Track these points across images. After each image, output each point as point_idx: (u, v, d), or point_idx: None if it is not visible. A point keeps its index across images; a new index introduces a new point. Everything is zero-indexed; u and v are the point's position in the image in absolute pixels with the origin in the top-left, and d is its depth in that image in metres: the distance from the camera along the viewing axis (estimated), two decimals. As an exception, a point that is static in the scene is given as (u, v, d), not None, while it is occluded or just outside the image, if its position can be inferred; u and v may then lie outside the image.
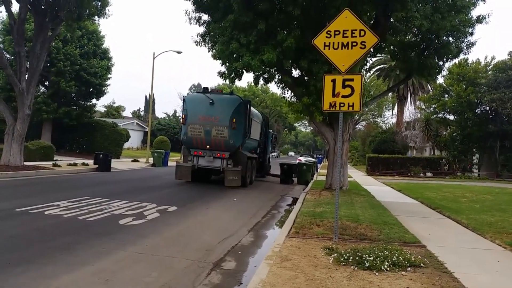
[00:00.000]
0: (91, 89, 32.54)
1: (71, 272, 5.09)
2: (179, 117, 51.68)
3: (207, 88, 17.57)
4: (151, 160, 29.08)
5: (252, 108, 18.23)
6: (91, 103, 34.23)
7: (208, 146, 16.52)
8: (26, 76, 18.06)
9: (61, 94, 30.51)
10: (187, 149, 17.04)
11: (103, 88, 33.41)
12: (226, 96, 17.43)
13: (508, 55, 29.25)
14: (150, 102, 35.73)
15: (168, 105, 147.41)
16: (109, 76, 33.74)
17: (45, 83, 31.71)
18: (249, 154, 18.06)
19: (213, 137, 16.23)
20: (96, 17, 20.79)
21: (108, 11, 20.30)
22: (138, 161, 29.94)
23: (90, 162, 22.24)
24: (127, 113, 70.27)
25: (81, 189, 12.90)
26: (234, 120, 16.10)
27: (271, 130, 26.93)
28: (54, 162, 20.94)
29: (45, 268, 5.20)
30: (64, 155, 28.87)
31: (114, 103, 61.40)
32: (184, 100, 17.38)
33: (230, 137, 16.16)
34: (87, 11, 19.51)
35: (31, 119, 19.47)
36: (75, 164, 20.96)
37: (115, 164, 23.72)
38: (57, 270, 5.15)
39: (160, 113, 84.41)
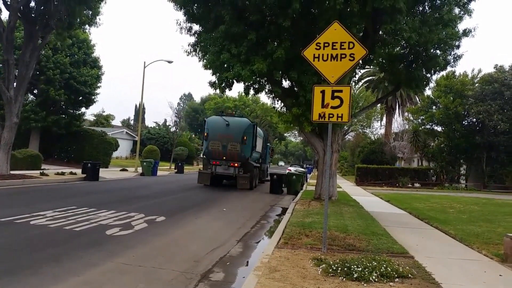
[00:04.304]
0: (80, 98, 32.23)
1: (57, 284, 5.01)
2: (169, 126, 51.56)
3: (222, 111, 24.11)
4: (140, 170, 28.89)
5: (257, 128, 22.75)
6: (80, 112, 33.88)
7: (224, 157, 20.62)
8: (15, 84, 17.90)
9: (50, 102, 30.21)
10: (207, 159, 21.20)
11: (93, 97, 33.12)
12: (238, 119, 21.98)
13: (494, 68, 29.82)
14: (140, 111, 35.61)
15: (159, 114, 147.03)
16: (99, 84, 33.48)
17: (34, 91, 31.34)
18: (255, 163, 22.55)
19: (228, 150, 20.45)
20: (87, 26, 20.77)
21: (99, 20, 20.35)
22: (127, 170, 29.70)
23: (78, 171, 22.01)
24: (116, 122, 69.93)
25: (68, 199, 12.73)
26: (245, 137, 20.43)
27: (268, 144, 31.57)
28: (41, 171, 20.70)
29: (30, 279, 5.12)
30: (52, 164, 28.53)
31: (104, 112, 60.99)
32: (205, 121, 21.96)
33: (241, 150, 20.38)
34: (78, 20, 19.49)
35: (19, 127, 19.26)
36: (62, 173, 20.72)
37: (104, 173, 23.51)
38: (43, 281, 5.08)
39: (150, 122, 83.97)
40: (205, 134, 21.08)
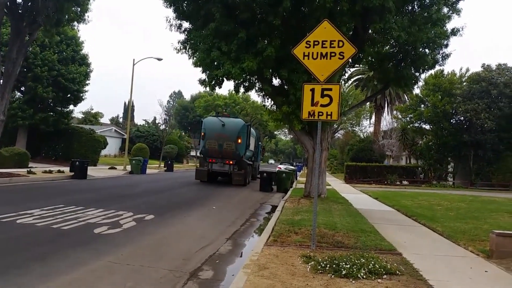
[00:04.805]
0: (68, 95, 31.91)
1: (44, 283, 4.97)
2: (159, 124, 51.39)
3: (218, 113, 25.44)
4: (129, 168, 28.71)
5: (251, 128, 24.34)
6: (68, 110, 33.54)
7: (220, 155, 22.04)
8: (1, 81, 17.63)
9: (38, 100, 29.86)
10: (204, 157, 22.76)
11: (81, 94, 32.81)
12: (233, 119, 23.53)
13: (482, 67, 30.18)
14: (129, 108, 35.39)
15: (148, 112, 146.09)
16: (87, 82, 33.17)
17: (21, 89, 30.93)
18: (248, 161, 24.18)
19: (224, 149, 21.82)
20: (75, 23, 20.52)
21: (88, 17, 20.08)
22: (115, 168, 29.47)
23: (66, 169, 21.77)
24: (105, 119, 69.15)
25: (55, 197, 12.62)
26: (239, 137, 21.89)
27: (260, 143, 33.20)
28: (29, 169, 20.42)
29: (17, 279, 5.06)
30: (40, 162, 28.20)
31: (92, 109, 60.33)
32: (202, 122, 23.37)
33: (236, 149, 21.76)
34: (66, 16, 19.24)
35: (5, 125, 18.99)
36: (50, 172, 20.49)
37: (92, 171, 23.30)
38: (30, 281, 5.02)
39: (139, 120, 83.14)
40: (202, 134, 22.44)
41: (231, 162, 22.13)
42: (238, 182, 21.98)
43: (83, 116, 57.52)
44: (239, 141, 21.85)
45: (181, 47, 16.02)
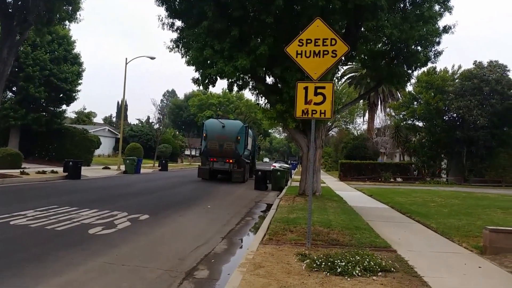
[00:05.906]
0: (61, 95, 31.69)
1: (38, 285, 4.93)
2: (153, 123, 51.35)
3: (218, 115, 27.66)
4: (123, 168, 28.59)
5: (249, 129, 26.21)
6: (61, 109, 33.30)
7: (220, 155, 23.53)
8: (-8, 81, 17.49)
9: (30, 100, 29.62)
10: (205, 157, 24.23)
11: (74, 94, 32.58)
12: (232, 121, 25.94)
13: (474, 64, 30.39)
14: (122, 108, 35.23)
15: (141, 111, 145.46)
16: (80, 81, 32.94)
17: (13, 89, 30.68)
18: (247, 160, 25.74)
19: (224, 149, 23.40)
20: (66, 22, 20.38)
21: (80, 15, 19.97)
22: (109, 168, 29.34)
23: (60, 169, 21.63)
24: (98, 119, 68.79)
25: (49, 198, 12.51)
26: (238, 137, 23.55)
27: (256, 142, 35.24)
28: (21, 170, 20.27)
29: (11, 281, 5.02)
30: (33, 162, 27.98)
31: (85, 109, 60.03)
32: (203, 124, 25.24)
33: (236, 148, 23.42)
34: (58, 15, 19.11)
35: (-3, 125, 18.83)
36: (43, 172, 20.35)
37: (86, 171, 23.18)
38: (23, 283, 4.99)
39: (133, 119, 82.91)
40: (204, 135, 24.13)
41: (231, 161, 23.65)
42: (237, 179, 23.47)
43: (76, 116, 57.18)
44: (238, 141, 23.45)
45: (174, 46, 15.93)
